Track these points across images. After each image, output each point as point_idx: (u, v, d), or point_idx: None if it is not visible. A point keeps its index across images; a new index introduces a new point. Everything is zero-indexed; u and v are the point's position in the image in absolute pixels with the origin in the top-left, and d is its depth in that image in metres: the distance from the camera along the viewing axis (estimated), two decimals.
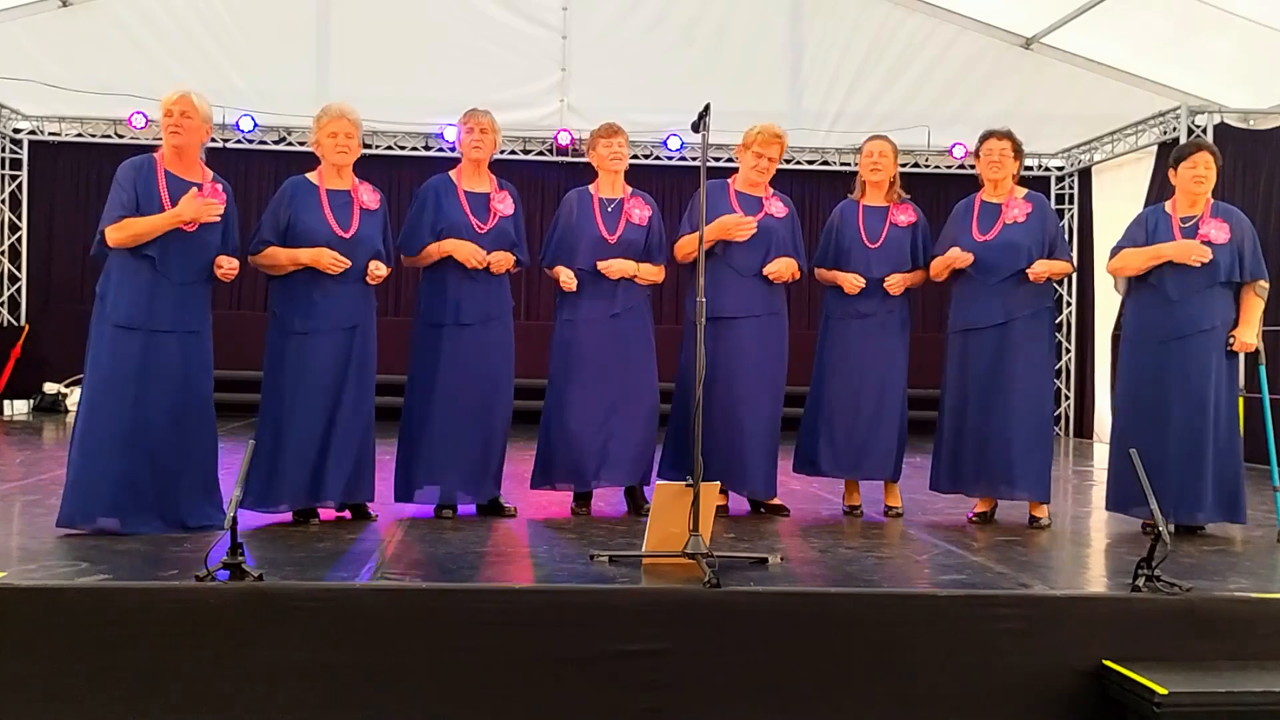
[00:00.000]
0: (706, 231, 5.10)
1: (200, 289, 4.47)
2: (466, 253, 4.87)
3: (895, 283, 5.22)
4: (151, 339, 4.32)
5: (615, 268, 5.08)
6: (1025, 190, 5.24)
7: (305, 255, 4.60)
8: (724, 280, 5.13)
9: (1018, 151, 5.20)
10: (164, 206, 4.34)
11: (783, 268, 5.21)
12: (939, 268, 5.23)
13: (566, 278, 5.09)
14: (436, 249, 4.91)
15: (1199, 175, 4.95)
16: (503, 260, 4.96)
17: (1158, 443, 4.84)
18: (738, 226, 5.12)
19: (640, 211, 5.21)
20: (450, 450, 4.90)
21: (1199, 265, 4.85)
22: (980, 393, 5.08)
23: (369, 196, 4.80)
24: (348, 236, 4.66)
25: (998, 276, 5.08)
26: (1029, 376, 5.07)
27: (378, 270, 4.71)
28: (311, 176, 4.77)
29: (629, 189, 5.27)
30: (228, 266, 4.43)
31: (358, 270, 4.68)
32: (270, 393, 4.67)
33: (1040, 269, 5.05)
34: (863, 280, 5.22)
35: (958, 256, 5.11)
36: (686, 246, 5.16)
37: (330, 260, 4.58)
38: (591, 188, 5.26)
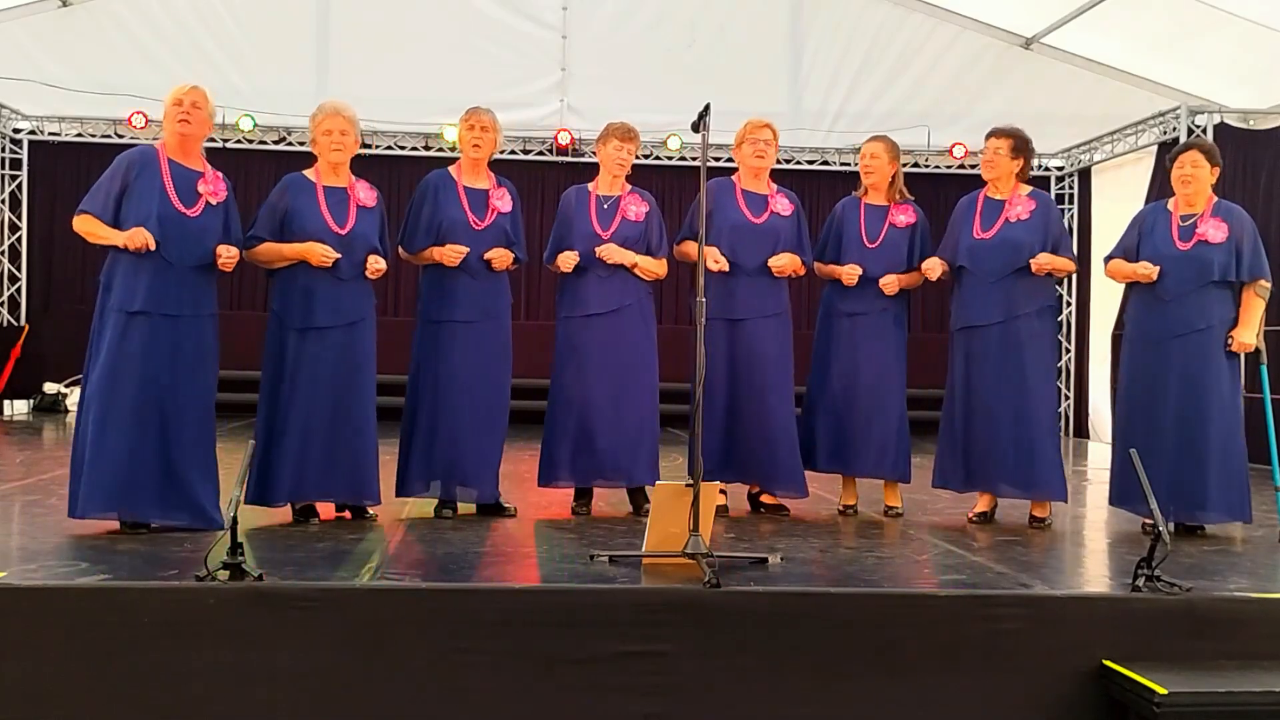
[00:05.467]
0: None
1: (205, 275, 4.48)
2: (447, 257, 4.86)
3: (889, 283, 5.22)
4: (159, 324, 4.33)
5: (613, 254, 5.08)
6: (1030, 188, 5.22)
7: (297, 249, 4.61)
8: (735, 281, 5.15)
9: (1017, 150, 5.14)
10: (167, 194, 4.36)
11: (787, 262, 5.22)
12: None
13: (566, 258, 5.08)
14: (427, 255, 4.93)
15: (1185, 175, 4.96)
16: (502, 257, 4.97)
17: (1156, 442, 4.84)
18: (716, 264, 5.10)
19: (637, 208, 5.21)
20: (451, 447, 4.90)
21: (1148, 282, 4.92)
22: (988, 391, 5.06)
23: (366, 194, 4.81)
24: (344, 233, 4.67)
25: (997, 274, 5.06)
26: (1037, 374, 5.06)
27: (376, 264, 4.71)
28: (309, 173, 4.78)
29: (627, 186, 5.27)
30: (226, 255, 4.44)
31: (355, 267, 4.70)
32: (269, 389, 4.67)
33: (1043, 261, 5.03)
34: (859, 270, 5.22)
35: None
36: (687, 250, 5.17)
37: (320, 254, 4.59)
38: (590, 185, 5.26)
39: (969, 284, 5.15)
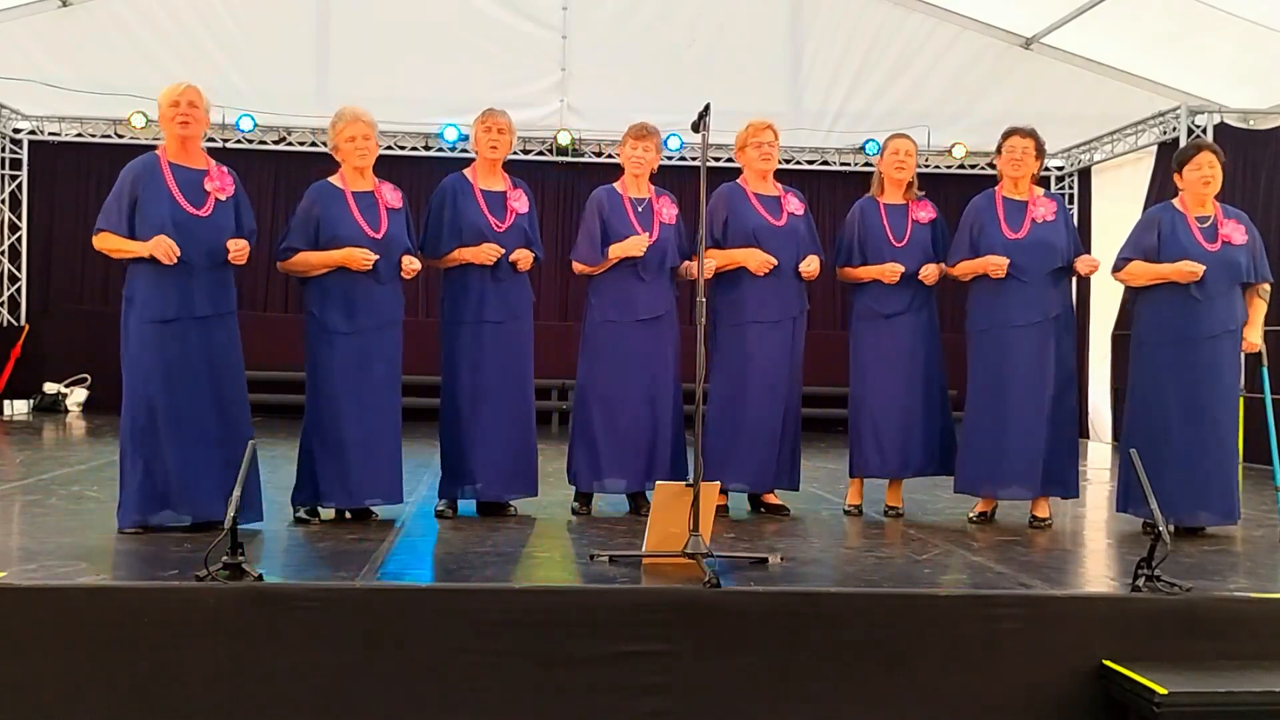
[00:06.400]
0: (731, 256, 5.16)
1: (225, 273, 4.50)
2: (483, 256, 4.89)
3: (931, 273, 5.22)
4: (191, 326, 4.37)
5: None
6: (1041, 189, 5.22)
7: (335, 256, 4.63)
8: (762, 284, 5.15)
9: (1039, 151, 5.16)
10: (175, 199, 4.37)
11: (818, 266, 5.25)
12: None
13: (635, 243, 5.07)
14: (455, 256, 4.93)
15: (1205, 176, 4.92)
16: (526, 258, 4.99)
17: (1191, 443, 4.84)
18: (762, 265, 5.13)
19: (668, 210, 5.24)
20: (493, 448, 4.94)
21: (1189, 283, 4.85)
22: (1021, 391, 5.02)
23: (391, 195, 4.83)
24: (379, 237, 4.69)
25: (1035, 274, 5.03)
26: (1063, 374, 5.07)
27: (412, 265, 4.76)
28: (334, 180, 4.79)
29: (653, 188, 5.28)
30: (235, 250, 4.45)
31: (392, 269, 4.72)
32: (318, 394, 4.69)
33: (1094, 262, 5.07)
34: (901, 267, 5.19)
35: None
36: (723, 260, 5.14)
37: (361, 259, 4.61)
38: (619, 187, 5.25)
39: (1002, 285, 5.07)
